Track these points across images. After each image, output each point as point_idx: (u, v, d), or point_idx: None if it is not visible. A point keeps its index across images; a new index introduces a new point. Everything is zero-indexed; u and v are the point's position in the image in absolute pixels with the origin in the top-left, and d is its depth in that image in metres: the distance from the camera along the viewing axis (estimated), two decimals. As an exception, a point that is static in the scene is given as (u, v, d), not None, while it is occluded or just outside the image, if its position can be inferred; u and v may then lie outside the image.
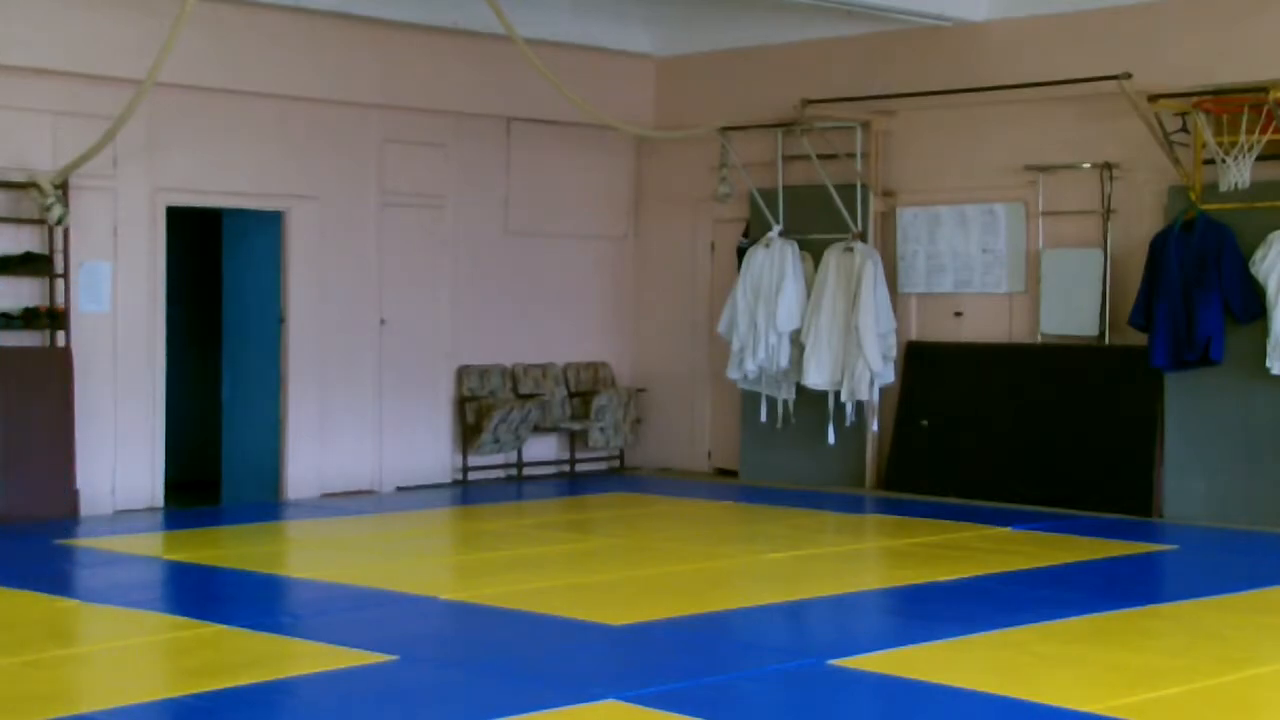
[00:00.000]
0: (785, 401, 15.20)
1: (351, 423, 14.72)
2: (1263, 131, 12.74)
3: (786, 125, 15.35)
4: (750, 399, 15.53)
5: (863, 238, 14.86)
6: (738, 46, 16.07)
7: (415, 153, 15.16)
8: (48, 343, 13.00)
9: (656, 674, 7.91)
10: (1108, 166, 13.88)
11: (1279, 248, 12.78)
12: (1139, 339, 13.51)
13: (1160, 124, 13.14)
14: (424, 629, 9.12)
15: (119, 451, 13.39)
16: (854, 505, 14.21)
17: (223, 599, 10.08)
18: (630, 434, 16.40)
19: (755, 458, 15.70)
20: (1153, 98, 13.06)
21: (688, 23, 16.13)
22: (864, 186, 14.99)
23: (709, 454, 16.45)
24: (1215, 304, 12.96)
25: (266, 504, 14.16)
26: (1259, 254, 12.85)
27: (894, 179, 15.16)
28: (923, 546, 11.85)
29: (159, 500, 13.63)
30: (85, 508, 13.06)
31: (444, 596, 9.91)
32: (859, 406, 14.83)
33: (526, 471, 16.02)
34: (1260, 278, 12.84)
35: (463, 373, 15.53)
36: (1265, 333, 12.81)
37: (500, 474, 15.86)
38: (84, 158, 12.61)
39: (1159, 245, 13.27)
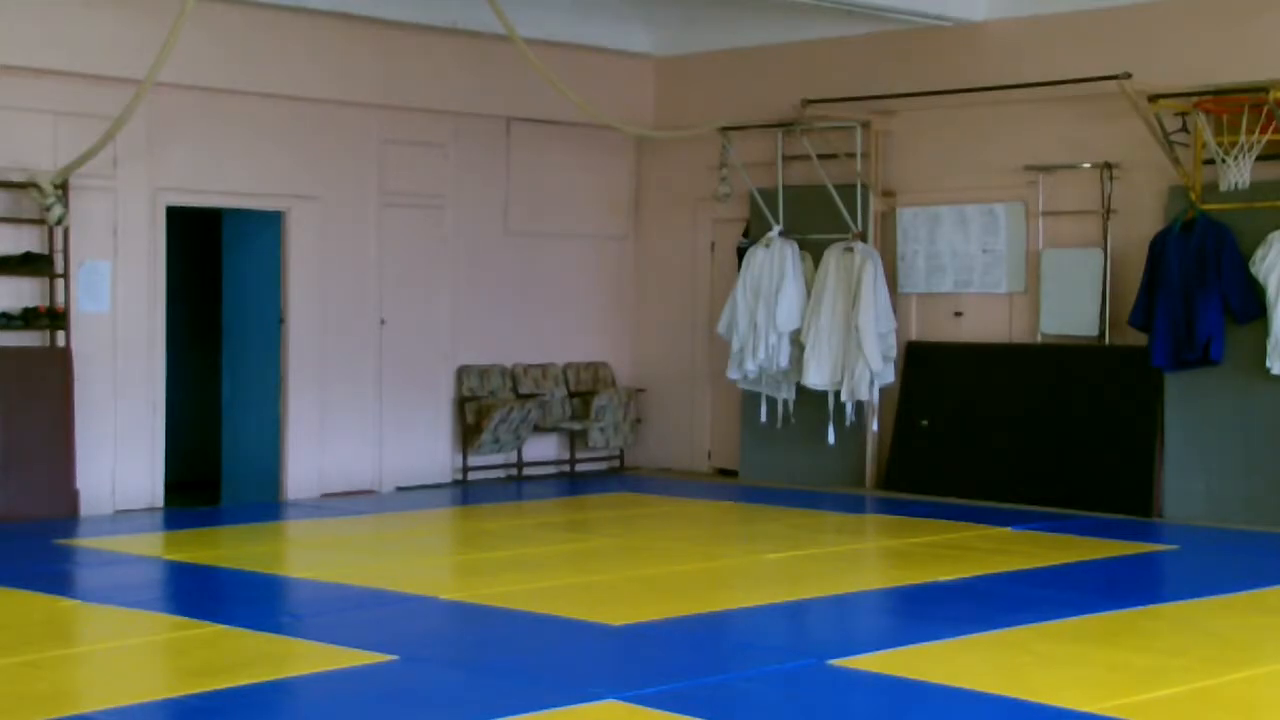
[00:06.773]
0: (785, 401, 15.20)
1: (351, 423, 14.71)
2: (1263, 131, 12.75)
3: (786, 125, 15.35)
4: (750, 399, 15.52)
5: (863, 238, 14.86)
6: (738, 46, 16.06)
7: (415, 153, 15.16)
8: (48, 343, 13.00)
9: (656, 674, 7.91)
10: (1108, 166, 13.87)
11: (1279, 248, 12.79)
12: (1139, 339, 13.51)
13: (1160, 124, 13.14)
14: (424, 629, 9.12)
15: (119, 451, 13.39)
16: (854, 505, 14.21)
17: (223, 599, 10.08)
18: (630, 434, 16.40)
19: (755, 458, 15.70)
20: (1153, 98, 13.06)
21: (688, 23, 16.12)
22: (864, 186, 14.98)
23: (709, 454, 16.45)
24: (1215, 304, 12.97)
25: (266, 504, 14.16)
26: (1259, 254, 12.85)
27: (894, 179, 15.16)
28: (923, 546, 11.85)
29: (159, 500, 13.63)
30: (85, 508, 13.06)
31: (444, 596, 9.91)
32: (859, 406, 14.83)
33: (526, 471, 16.02)
34: (1260, 278, 12.84)
35: (463, 373, 15.52)
36: (1265, 333, 12.81)
37: (500, 474, 15.86)
38: (84, 158, 12.61)
39: (1159, 245, 13.28)
